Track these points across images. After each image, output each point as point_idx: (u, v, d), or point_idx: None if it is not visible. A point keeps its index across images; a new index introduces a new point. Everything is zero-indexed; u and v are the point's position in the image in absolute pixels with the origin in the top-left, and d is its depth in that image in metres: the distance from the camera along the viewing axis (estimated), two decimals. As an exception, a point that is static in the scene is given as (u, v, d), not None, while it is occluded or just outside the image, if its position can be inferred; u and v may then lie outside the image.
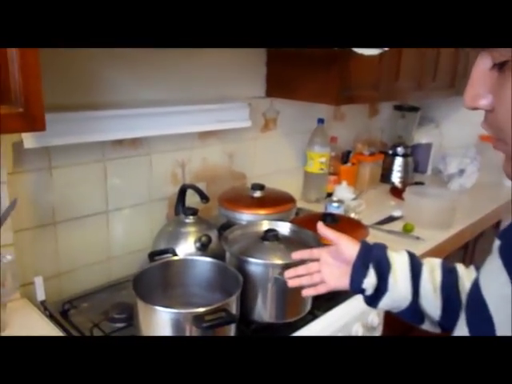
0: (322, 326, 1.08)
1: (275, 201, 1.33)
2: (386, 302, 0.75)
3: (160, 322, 0.83)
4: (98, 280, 1.25)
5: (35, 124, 0.78)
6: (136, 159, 1.30)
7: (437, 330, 0.76)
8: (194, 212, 1.21)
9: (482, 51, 0.47)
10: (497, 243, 0.58)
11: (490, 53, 0.46)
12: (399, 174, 2.21)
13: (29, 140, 1.04)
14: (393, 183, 2.18)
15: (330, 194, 1.84)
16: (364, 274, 0.74)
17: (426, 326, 0.76)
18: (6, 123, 0.74)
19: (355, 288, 0.76)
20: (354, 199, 1.75)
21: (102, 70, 1.18)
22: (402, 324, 1.50)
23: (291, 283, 0.85)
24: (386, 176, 2.21)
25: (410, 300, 0.73)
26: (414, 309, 0.74)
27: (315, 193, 1.85)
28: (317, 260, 0.84)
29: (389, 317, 1.29)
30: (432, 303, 0.73)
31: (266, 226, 1.11)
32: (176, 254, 1.03)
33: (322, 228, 0.83)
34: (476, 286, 0.56)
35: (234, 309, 0.88)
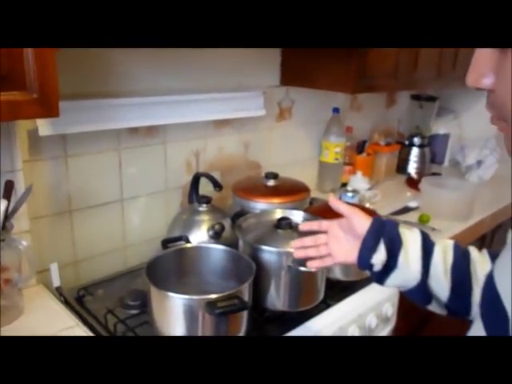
0: (336, 316, 1.08)
1: (289, 190, 1.33)
2: (393, 280, 0.74)
3: (173, 308, 0.84)
4: (114, 268, 1.27)
5: (50, 110, 0.78)
6: (151, 148, 1.30)
7: (443, 312, 0.75)
8: (207, 200, 1.21)
9: None
10: (511, 235, 0.57)
11: None
12: (415, 165, 2.18)
13: (44, 127, 1.05)
14: (409, 174, 2.15)
15: (344, 185, 1.83)
16: (374, 249, 0.72)
17: (433, 307, 0.75)
18: (21, 109, 0.75)
19: (363, 263, 0.74)
20: (369, 189, 1.74)
21: (117, 59, 1.18)
22: (417, 315, 1.49)
23: (297, 254, 0.84)
24: (402, 167, 2.19)
25: (419, 279, 0.72)
26: (423, 289, 0.72)
27: (330, 183, 1.83)
28: (325, 232, 0.82)
29: (403, 308, 1.28)
30: (441, 285, 0.71)
31: (279, 214, 1.11)
32: (189, 242, 1.03)
33: (334, 201, 0.80)
34: (490, 279, 0.55)
35: (246, 296, 0.88)
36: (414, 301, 0.76)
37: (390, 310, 1.21)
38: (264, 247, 0.98)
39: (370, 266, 0.74)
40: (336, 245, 0.80)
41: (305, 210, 1.12)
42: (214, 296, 0.81)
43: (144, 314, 1.00)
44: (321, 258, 0.82)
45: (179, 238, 1.02)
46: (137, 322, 0.98)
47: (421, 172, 2.15)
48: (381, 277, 0.75)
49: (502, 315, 0.50)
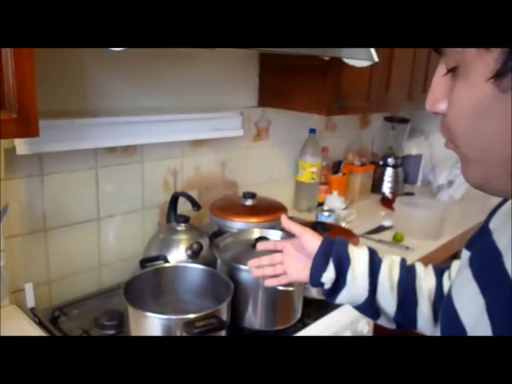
0: (312, 334, 1.09)
1: (266, 209, 1.34)
2: (344, 296, 0.76)
3: (151, 328, 0.83)
4: (89, 287, 1.25)
5: (29, 130, 0.78)
6: (128, 166, 1.30)
7: (392, 326, 0.79)
8: (185, 219, 1.21)
9: (441, 58, 0.48)
10: (466, 254, 0.60)
11: (444, 59, 0.47)
12: (389, 185, 2.24)
13: (21, 146, 1.04)
14: (383, 193, 2.20)
15: (320, 204, 1.86)
16: (323, 269, 0.75)
17: (382, 322, 0.79)
18: (0, 128, 0.75)
19: (314, 281, 0.77)
20: (345, 209, 1.77)
21: (96, 77, 1.19)
22: (392, 332, 1.51)
23: (254, 272, 0.86)
24: (376, 186, 2.23)
25: (366, 296, 0.74)
26: (371, 304, 0.75)
27: (306, 202, 1.86)
28: (280, 251, 0.85)
29: (378, 326, 1.30)
30: (388, 300, 0.75)
31: (257, 233, 1.12)
32: (167, 261, 1.03)
33: (285, 221, 0.83)
34: (449, 298, 0.57)
35: (224, 315, 0.88)
36: (364, 315, 0.80)
37: (366, 327, 1.22)
38: (241, 266, 0.99)
39: (321, 284, 0.76)
40: (290, 263, 0.83)
41: (282, 230, 1.13)
42: (192, 316, 0.81)
43: (120, 334, 1.00)
44: (277, 276, 0.84)
45: (157, 258, 1.02)
46: (113, 343, 0.97)
47: (395, 191, 2.20)
48: (331, 294, 0.77)
49: (460, 332, 0.52)
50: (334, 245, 0.77)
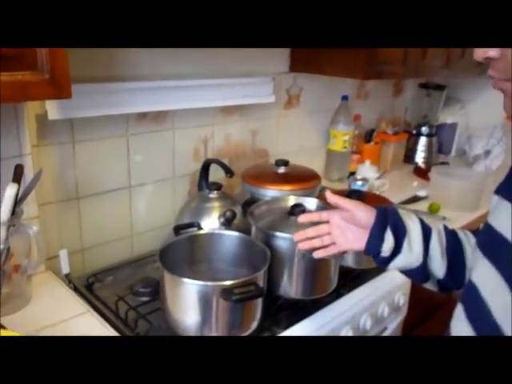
0: (348, 305, 1.06)
1: (300, 177, 1.31)
2: (397, 263, 0.79)
3: (187, 294, 0.82)
4: (121, 255, 1.25)
5: (61, 91, 0.76)
6: (159, 134, 1.28)
7: (435, 289, 0.82)
8: (218, 187, 1.19)
9: None
10: (494, 199, 0.67)
11: None
12: (423, 155, 2.17)
13: (53, 111, 1.02)
14: (416, 163, 2.13)
15: (352, 173, 1.81)
16: (382, 239, 0.77)
17: (428, 285, 0.82)
18: (33, 90, 0.73)
19: (372, 251, 0.79)
20: (378, 178, 1.72)
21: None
22: (427, 304, 1.48)
23: (302, 245, 0.87)
24: (409, 156, 2.17)
25: (420, 262, 0.77)
26: (423, 269, 0.78)
27: (338, 172, 1.81)
28: (326, 222, 0.84)
29: (414, 297, 1.27)
30: (439, 264, 0.78)
31: (292, 201, 1.09)
32: (201, 228, 1.01)
33: (332, 196, 0.84)
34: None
35: (261, 283, 0.86)
36: (413, 279, 0.85)
37: (402, 299, 1.19)
38: (278, 234, 0.96)
39: (377, 253, 0.79)
40: (339, 234, 0.83)
41: (318, 197, 1.10)
42: (230, 282, 0.79)
43: (155, 301, 0.99)
44: (325, 247, 0.85)
45: (191, 225, 1.01)
46: (149, 309, 0.96)
47: (428, 161, 2.13)
48: (385, 262, 0.79)
49: (480, 303, 0.60)
50: (389, 214, 0.79)
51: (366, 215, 0.79)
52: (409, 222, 0.79)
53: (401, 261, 0.78)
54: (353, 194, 1.17)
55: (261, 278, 0.86)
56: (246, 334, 0.87)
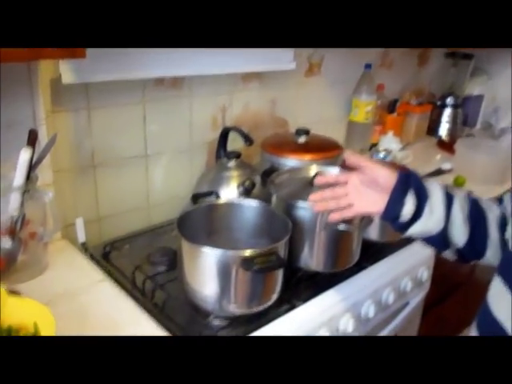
0: (370, 278, 1.03)
1: (321, 146, 1.26)
2: (417, 228, 0.75)
3: (206, 264, 0.79)
4: (138, 225, 1.23)
5: (75, 50, 0.72)
6: (176, 101, 1.24)
7: (454, 258, 0.79)
8: (237, 155, 1.15)
9: None
10: None
11: None
12: (447, 127, 2.09)
13: (67, 75, 0.99)
14: (440, 136, 2.06)
15: (374, 145, 1.76)
16: (403, 202, 0.73)
17: (446, 254, 0.79)
18: (46, 50, 0.69)
19: (391, 214, 0.75)
20: (401, 150, 1.66)
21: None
22: (451, 279, 1.44)
23: (317, 207, 0.83)
24: (432, 128, 2.09)
25: (441, 228, 0.74)
26: (443, 236, 0.75)
27: (359, 143, 1.76)
28: (343, 184, 0.81)
29: (437, 273, 1.23)
30: (461, 231, 0.74)
31: (314, 170, 1.05)
32: (220, 197, 0.98)
33: (352, 156, 0.80)
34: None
35: (282, 254, 0.83)
36: (432, 246, 0.80)
37: (426, 274, 1.15)
38: (299, 203, 0.92)
39: (396, 218, 0.75)
40: (357, 196, 0.79)
41: (341, 166, 1.05)
42: (250, 252, 0.76)
43: (173, 270, 0.97)
44: (341, 210, 0.81)
45: (210, 193, 0.97)
46: (166, 279, 0.94)
47: (452, 134, 2.05)
48: (405, 226, 0.76)
49: None
50: (412, 177, 0.76)
51: (387, 176, 0.75)
52: (431, 187, 0.76)
53: (420, 226, 0.74)
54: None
55: (282, 248, 0.82)
56: (266, 306, 0.84)
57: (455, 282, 1.51)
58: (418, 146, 1.92)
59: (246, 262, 0.75)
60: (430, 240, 0.77)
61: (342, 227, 0.90)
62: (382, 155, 1.48)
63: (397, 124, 1.87)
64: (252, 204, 0.96)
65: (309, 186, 0.98)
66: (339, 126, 1.77)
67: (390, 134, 1.73)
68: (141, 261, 1.01)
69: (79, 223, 1.06)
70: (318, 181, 0.84)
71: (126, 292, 0.91)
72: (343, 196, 0.80)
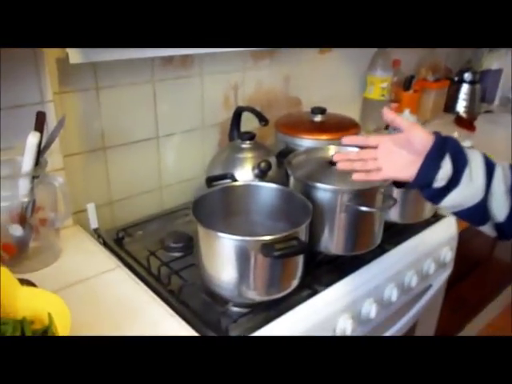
0: (392, 261, 1.00)
1: (338, 126, 1.21)
2: (453, 198, 0.69)
3: (224, 250, 0.76)
4: (151, 209, 1.20)
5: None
6: (186, 80, 1.19)
7: (493, 234, 0.73)
8: (251, 136, 1.11)
9: None
10: None
11: None
12: (464, 103, 2.02)
13: (74, 54, 0.94)
14: (457, 113, 1.99)
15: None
16: (439, 165, 0.68)
17: (485, 228, 0.73)
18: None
19: (424, 179, 0.69)
20: (419, 128, 1.60)
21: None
22: (471, 259, 1.40)
23: (341, 165, 0.78)
24: (449, 105, 2.03)
25: (480, 198, 0.68)
26: (482, 207, 0.69)
27: (374, 121, 1.70)
28: (373, 147, 0.76)
29: (461, 253, 1.19)
30: (501, 204, 0.69)
31: (332, 150, 1.00)
32: (235, 180, 0.94)
33: (389, 114, 0.74)
34: None
35: (303, 238, 0.79)
36: (469, 220, 0.74)
37: (449, 254, 1.12)
38: (319, 185, 0.88)
39: (429, 184, 0.69)
40: (388, 159, 0.74)
41: (360, 147, 1.01)
42: (270, 237, 0.73)
43: (188, 256, 0.94)
44: (367, 172, 0.76)
45: (224, 176, 0.94)
46: (181, 265, 0.91)
47: (470, 111, 1.99)
48: (439, 194, 0.70)
49: None
50: (449, 140, 0.70)
51: (423, 138, 0.70)
52: (470, 152, 0.70)
53: (457, 195, 0.69)
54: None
55: (303, 232, 0.79)
56: (286, 292, 0.81)
57: (474, 261, 1.47)
58: (436, 123, 1.87)
59: (266, 248, 0.72)
60: (466, 213, 0.71)
61: (364, 209, 0.86)
62: (399, 133, 1.43)
63: (413, 101, 1.81)
64: (270, 186, 0.92)
65: (327, 166, 0.94)
66: (354, 104, 1.72)
67: (407, 111, 1.66)
68: (155, 246, 0.99)
69: (91, 208, 1.03)
70: (345, 140, 0.78)
71: (140, 279, 0.88)
72: (371, 159, 0.75)
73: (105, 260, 0.93)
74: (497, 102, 2.19)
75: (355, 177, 0.76)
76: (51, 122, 0.92)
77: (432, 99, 1.89)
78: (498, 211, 0.69)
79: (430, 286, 1.11)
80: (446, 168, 0.67)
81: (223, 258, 0.77)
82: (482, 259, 1.58)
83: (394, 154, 0.73)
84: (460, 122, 1.89)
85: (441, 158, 0.68)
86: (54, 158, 0.94)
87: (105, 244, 1.01)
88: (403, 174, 0.72)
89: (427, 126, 1.74)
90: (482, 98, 2.10)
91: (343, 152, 0.77)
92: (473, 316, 1.80)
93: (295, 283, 0.82)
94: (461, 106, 2.01)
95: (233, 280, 0.77)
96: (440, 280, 1.13)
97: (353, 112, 1.71)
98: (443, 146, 0.69)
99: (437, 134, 0.71)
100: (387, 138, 0.75)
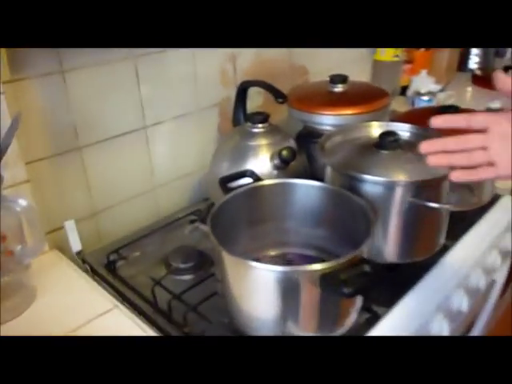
0: (458, 260, 0.80)
1: (364, 96, 0.99)
2: None
3: (262, 283, 0.54)
4: (145, 217, 0.98)
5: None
6: (174, 54, 0.96)
7: None
8: (264, 118, 0.89)
9: None
10: None
11: None
12: (477, 59, 1.82)
13: (26, 27, 0.70)
14: (472, 70, 1.79)
15: (404, 88, 1.50)
16: None
17: None
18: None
19: None
20: (442, 91, 1.40)
21: None
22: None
23: (434, 160, 0.56)
24: (461, 63, 1.82)
25: None
26: None
27: (387, 86, 1.46)
28: (480, 132, 0.54)
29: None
30: None
31: (376, 128, 0.79)
32: (257, 177, 0.72)
33: (503, 77, 0.52)
34: None
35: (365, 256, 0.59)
36: None
37: (510, 240, 0.93)
38: (367, 177, 0.67)
39: None
40: (504, 148, 0.52)
41: (411, 123, 0.79)
42: (330, 264, 0.51)
43: (202, 279, 0.73)
44: (473, 168, 0.54)
45: (243, 174, 0.72)
46: (198, 296, 0.69)
47: (485, 67, 1.79)
48: None
49: None
50: None
51: None
52: None
53: None
54: (448, 110, 0.87)
55: (365, 248, 0.58)
56: (342, 331, 0.60)
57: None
58: (454, 84, 1.66)
59: (327, 280, 0.50)
60: None
61: (433, 205, 0.66)
62: (425, 99, 1.23)
63: (426, 60, 1.60)
64: (307, 183, 0.69)
65: (374, 150, 0.73)
66: (363, 67, 1.51)
67: (424, 72, 1.46)
68: (158, 270, 0.77)
69: (70, 226, 0.81)
70: (434, 122, 0.55)
71: (146, 318, 0.67)
72: (479, 150, 0.54)
73: (96, 297, 0.70)
74: (508, 55, 2.00)
75: (454, 177, 0.55)
76: (4, 120, 0.68)
77: (446, 57, 1.68)
78: None
79: (493, 282, 0.92)
80: None
81: (260, 294, 0.55)
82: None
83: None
84: (477, 80, 1.70)
85: None
86: (13, 169, 0.71)
87: (93, 271, 0.79)
88: None
89: (447, 87, 1.54)
90: (495, 52, 1.90)
91: (432, 140, 0.55)
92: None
93: (353, 317, 0.61)
94: (473, 63, 1.81)
95: (274, 320, 0.56)
96: (502, 273, 0.94)
97: (363, 76, 1.51)
98: None
99: None
100: (502, 116, 0.53)
